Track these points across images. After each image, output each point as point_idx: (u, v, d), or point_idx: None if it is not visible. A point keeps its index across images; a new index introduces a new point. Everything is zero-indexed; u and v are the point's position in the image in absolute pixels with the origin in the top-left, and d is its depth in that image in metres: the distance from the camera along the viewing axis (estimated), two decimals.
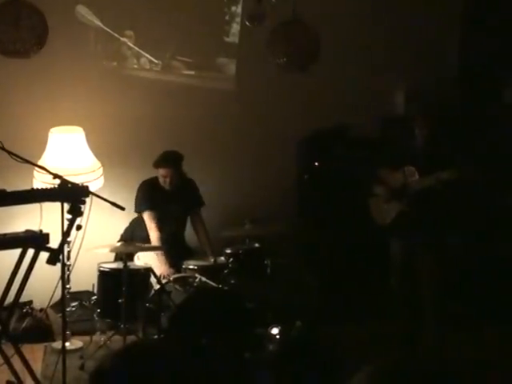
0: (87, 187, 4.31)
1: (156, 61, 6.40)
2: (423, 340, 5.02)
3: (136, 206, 5.74)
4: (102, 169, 5.89)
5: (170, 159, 5.65)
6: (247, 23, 6.15)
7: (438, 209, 4.90)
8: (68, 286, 5.35)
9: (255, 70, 6.53)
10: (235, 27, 6.48)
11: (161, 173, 5.66)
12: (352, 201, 5.79)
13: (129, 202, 5.52)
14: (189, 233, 5.98)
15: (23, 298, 4.84)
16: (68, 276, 5.28)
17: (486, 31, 6.75)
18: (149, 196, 5.71)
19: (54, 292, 4.47)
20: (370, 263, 6.02)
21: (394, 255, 5.13)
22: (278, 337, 5.19)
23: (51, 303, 5.11)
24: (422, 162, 4.89)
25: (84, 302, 5.82)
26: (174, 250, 5.70)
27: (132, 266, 5.27)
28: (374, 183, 5.14)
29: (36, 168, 5.00)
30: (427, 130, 4.93)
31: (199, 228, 5.89)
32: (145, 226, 5.70)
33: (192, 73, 6.50)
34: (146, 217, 5.67)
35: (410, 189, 4.91)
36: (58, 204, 4.22)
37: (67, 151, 5.72)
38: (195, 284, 5.16)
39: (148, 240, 5.59)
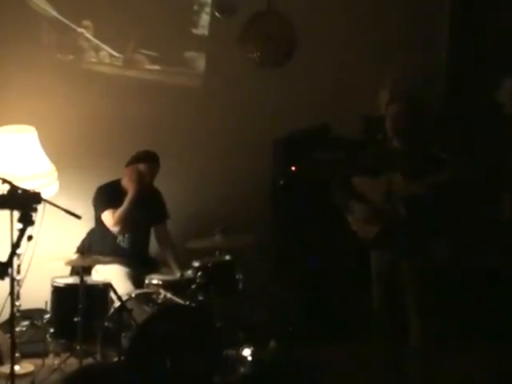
0: (39, 193, 4.28)
1: (117, 54, 6.38)
2: (410, 360, 4.97)
3: (96, 209, 5.72)
4: (56, 173, 5.84)
5: (152, 156, 5.72)
6: (217, 14, 6.12)
7: (424, 218, 4.83)
8: (18, 304, 5.27)
9: (226, 65, 6.52)
10: (204, 18, 6.48)
11: (141, 169, 5.68)
12: (332, 209, 5.75)
13: (86, 210, 5.48)
14: (152, 245, 5.97)
15: None
16: (18, 292, 5.22)
17: (476, 30, 6.94)
18: (110, 198, 5.69)
19: (1, 310, 4.49)
20: (352, 278, 6.06)
21: (375, 270, 5.08)
22: (250, 359, 5.17)
23: None
24: (404, 163, 4.84)
25: (36, 321, 5.72)
26: (137, 263, 5.68)
27: (89, 281, 5.21)
28: (350, 200, 5.04)
29: None
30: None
31: (164, 241, 5.92)
32: (104, 236, 5.69)
33: (157, 68, 6.49)
34: (108, 216, 5.63)
35: (395, 198, 4.85)
36: (7, 212, 4.30)
37: (17, 153, 5.67)
38: (159, 301, 5.11)
39: (108, 252, 5.54)
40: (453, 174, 4.66)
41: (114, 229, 5.64)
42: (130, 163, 5.72)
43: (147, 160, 5.70)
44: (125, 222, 5.62)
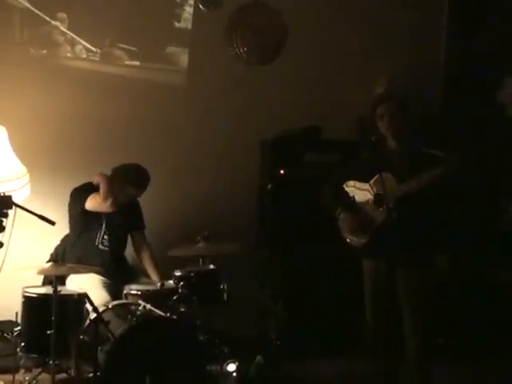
0: (10, 197, 4.36)
1: (94, 49, 6.39)
2: (406, 378, 5.00)
3: (76, 207, 5.67)
4: (28, 176, 5.84)
5: (146, 182, 5.74)
6: (201, 7, 6.13)
7: (417, 221, 4.82)
8: None
9: (210, 61, 6.54)
10: (188, 11, 6.51)
11: (132, 192, 5.71)
12: (322, 216, 5.78)
13: (60, 215, 5.47)
14: (131, 253, 5.96)
15: None
16: None
17: (475, 30, 7.01)
18: (89, 191, 5.66)
19: None
20: (343, 289, 6.05)
21: (368, 280, 5.08)
22: (235, 375, 5.14)
23: None
24: (402, 165, 4.86)
25: (5, 334, 5.59)
26: (114, 271, 5.67)
27: (63, 291, 5.12)
28: (339, 210, 5.06)
29: None
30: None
31: (142, 250, 5.94)
32: (80, 240, 5.70)
33: (136, 63, 6.52)
34: (93, 198, 5.59)
35: (388, 200, 4.78)
36: None
37: None
38: (138, 312, 5.08)
39: (85, 256, 5.56)
40: (446, 169, 4.65)
41: (106, 204, 5.57)
42: (119, 176, 5.71)
43: (139, 186, 5.73)
44: (113, 195, 5.58)
